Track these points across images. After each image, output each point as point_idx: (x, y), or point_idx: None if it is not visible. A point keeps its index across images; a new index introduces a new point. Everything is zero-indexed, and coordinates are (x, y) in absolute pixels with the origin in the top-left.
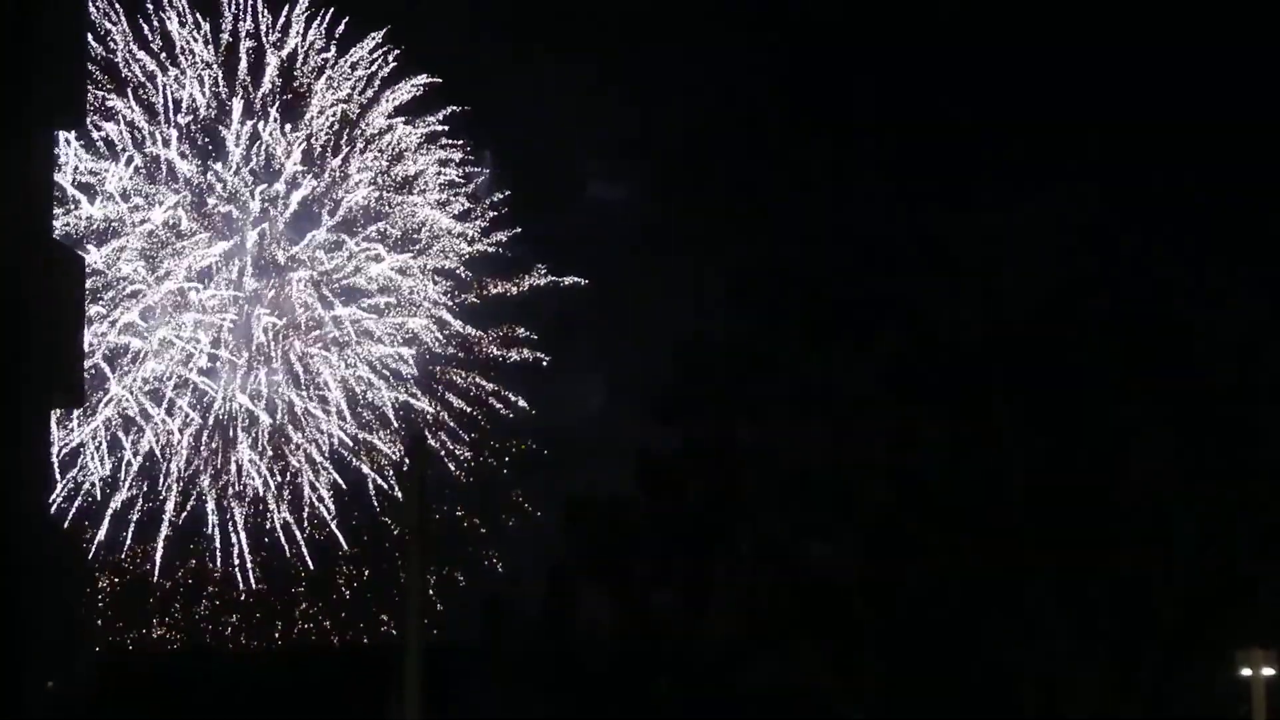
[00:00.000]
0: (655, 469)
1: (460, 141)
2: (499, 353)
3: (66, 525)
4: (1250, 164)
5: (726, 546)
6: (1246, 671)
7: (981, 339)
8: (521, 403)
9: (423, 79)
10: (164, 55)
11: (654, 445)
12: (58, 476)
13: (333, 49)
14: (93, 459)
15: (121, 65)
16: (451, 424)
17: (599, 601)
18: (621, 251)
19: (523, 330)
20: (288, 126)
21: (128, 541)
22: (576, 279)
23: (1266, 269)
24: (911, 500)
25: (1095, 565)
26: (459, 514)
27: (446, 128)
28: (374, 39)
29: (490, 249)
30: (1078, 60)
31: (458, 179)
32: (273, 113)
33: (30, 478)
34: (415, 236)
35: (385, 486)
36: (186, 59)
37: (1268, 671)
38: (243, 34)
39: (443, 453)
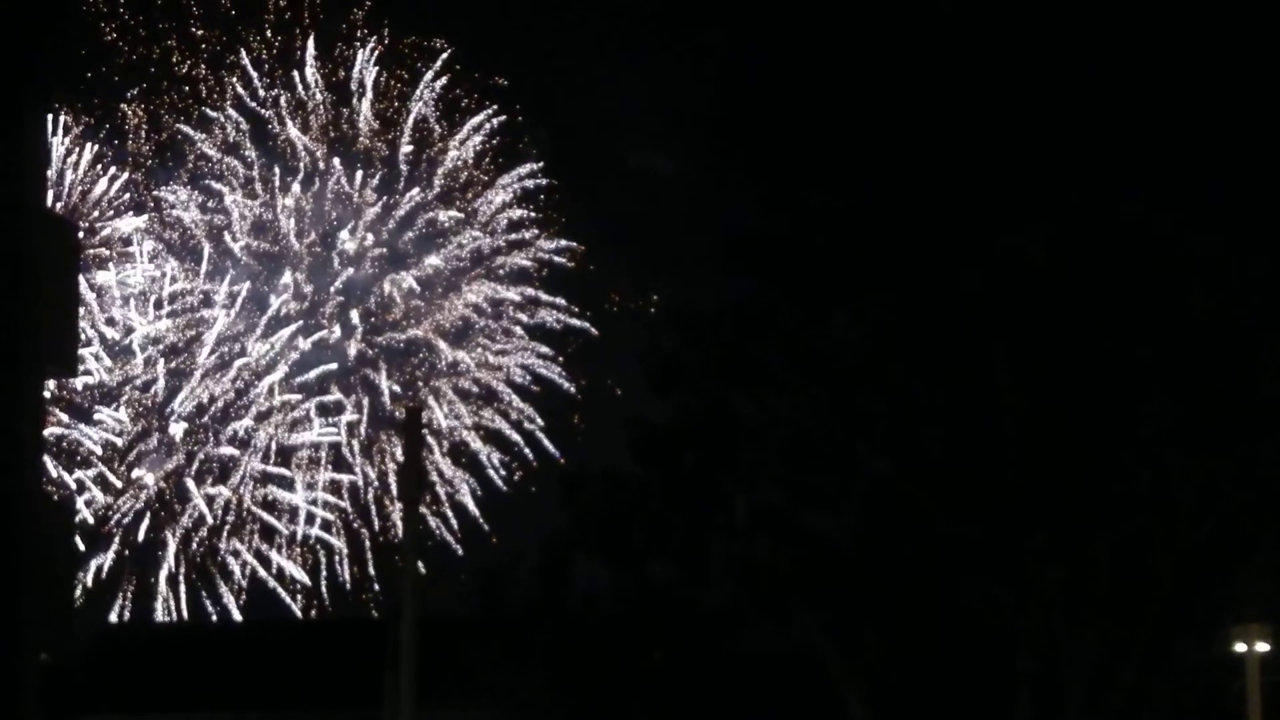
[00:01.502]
0: (650, 438)
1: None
2: (569, 382)
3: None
4: (1243, 136)
5: (723, 515)
6: (1241, 647)
7: (981, 301)
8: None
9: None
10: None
11: (650, 415)
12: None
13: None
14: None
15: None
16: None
17: (595, 572)
18: (656, 227)
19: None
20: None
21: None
22: (650, 298)
23: (1272, 234)
24: (910, 466)
25: (1094, 533)
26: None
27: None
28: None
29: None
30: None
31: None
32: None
33: (27, 445)
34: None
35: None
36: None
37: (1262, 647)
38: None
39: (503, 484)
